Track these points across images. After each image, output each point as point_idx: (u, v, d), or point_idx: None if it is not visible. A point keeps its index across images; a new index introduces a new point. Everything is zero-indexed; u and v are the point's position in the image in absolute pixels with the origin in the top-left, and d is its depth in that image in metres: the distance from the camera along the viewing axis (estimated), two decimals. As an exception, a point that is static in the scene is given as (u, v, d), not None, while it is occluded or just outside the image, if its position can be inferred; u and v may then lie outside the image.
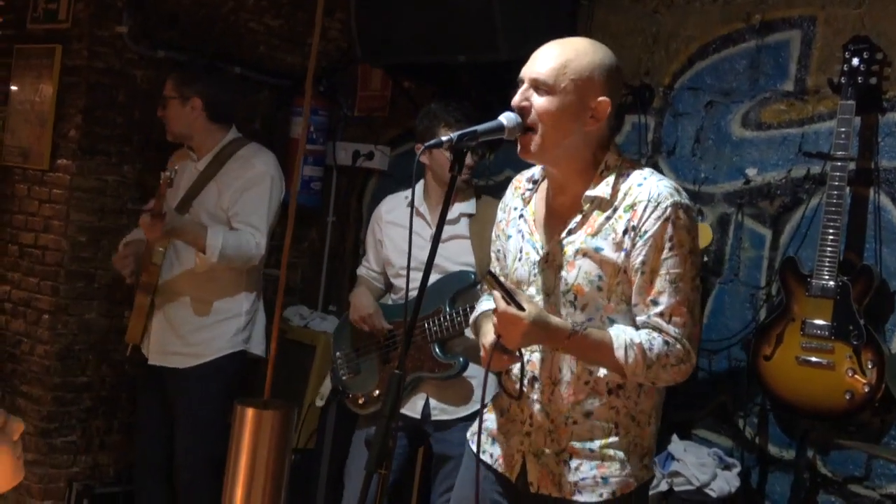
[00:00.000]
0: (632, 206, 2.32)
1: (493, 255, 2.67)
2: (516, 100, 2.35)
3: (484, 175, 4.38)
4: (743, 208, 3.67)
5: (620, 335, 2.30)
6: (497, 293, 2.26)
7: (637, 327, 2.34)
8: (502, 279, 2.31)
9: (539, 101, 2.32)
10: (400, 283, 3.68)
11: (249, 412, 3.63)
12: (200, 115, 3.89)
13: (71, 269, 4.39)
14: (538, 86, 2.33)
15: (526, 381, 2.47)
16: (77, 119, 4.38)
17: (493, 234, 2.66)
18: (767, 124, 3.64)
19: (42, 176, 4.50)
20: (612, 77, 2.37)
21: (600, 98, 2.33)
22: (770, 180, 3.61)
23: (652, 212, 2.29)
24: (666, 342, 2.29)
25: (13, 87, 4.67)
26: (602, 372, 2.37)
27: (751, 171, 3.66)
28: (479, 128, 2.29)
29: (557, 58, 2.33)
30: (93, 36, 4.35)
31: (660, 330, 2.30)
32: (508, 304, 2.24)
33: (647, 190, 2.32)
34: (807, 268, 3.28)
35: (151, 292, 3.88)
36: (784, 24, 3.62)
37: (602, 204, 2.36)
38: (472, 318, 2.69)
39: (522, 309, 2.23)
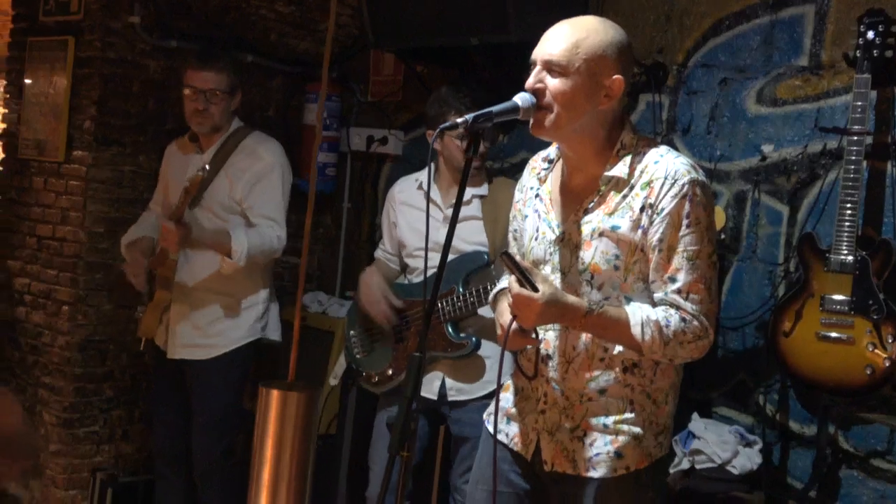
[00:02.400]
0: (648, 184, 2.32)
1: (510, 235, 2.68)
2: (530, 82, 2.35)
3: (499, 157, 4.37)
4: (759, 185, 3.65)
5: (637, 312, 2.30)
6: (512, 275, 2.26)
7: (654, 305, 2.34)
8: (518, 259, 2.30)
9: (553, 83, 2.32)
10: (414, 263, 3.69)
11: (274, 394, 3.64)
12: (236, 108, 3.90)
13: (89, 260, 4.42)
14: (551, 67, 2.33)
15: (540, 359, 2.48)
16: (91, 110, 4.40)
17: (511, 215, 2.67)
18: (783, 100, 3.61)
19: (58, 168, 4.52)
20: (624, 54, 2.37)
21: (614, 76, 2.33)
22: (786, 156, 3.59)
23: (669, 189, 2.29)
24: (683, 319, 2.29)
25: (27, 81, 4.69)
26: (617, 349, 2.38)
27: (767, 148, 3.64)
28: (494, 109, 2.30)
29: (569, 38, 2.33)
30: (105, 27, 4.36)
31: (677, 307, 2.30)
32: (523, 285, 2.24)
33: (664, 167, 2.32)
34: (825, 243, 3.26)
35: (170, 287, 3.89)
36: (798, -1, 3.60)
37: (619, 183, 2.36)
38: (490, 294, 2.69)
39: (537, 289, 2.23)
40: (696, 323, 2.31)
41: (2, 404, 1.98)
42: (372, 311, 3.66)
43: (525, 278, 2.25)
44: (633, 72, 2.42)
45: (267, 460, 3.63)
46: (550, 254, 2.45)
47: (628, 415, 2.41)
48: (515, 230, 2.64)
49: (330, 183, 5.08)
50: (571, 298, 2.30)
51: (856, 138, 3.16)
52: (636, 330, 2.29)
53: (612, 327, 2.32)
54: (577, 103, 2.32)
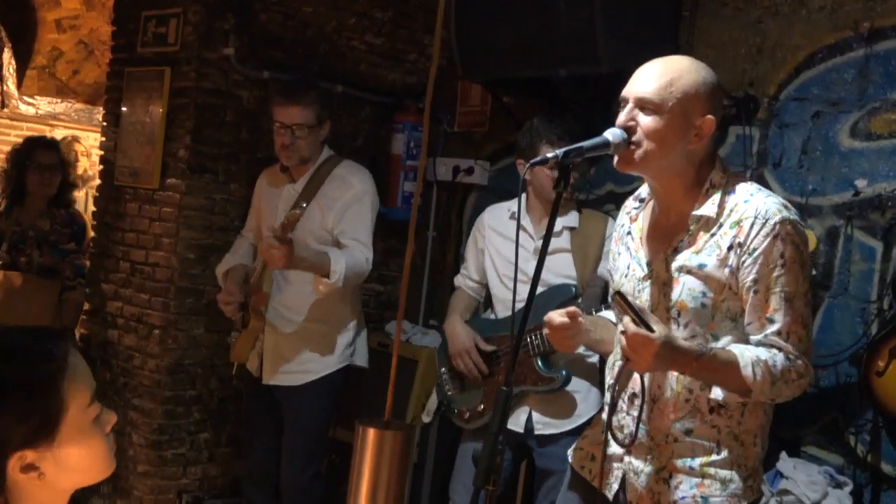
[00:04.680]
0: (738, 223, 2.30)
1: (608, 272, 2.69)
2: (621, 119, 2.35)
3: (585, 189, 4.36)
4: (853, 220, 3.58)
5: (745, 353, 2.27)
6: (626, 315, 2.21)
7: (747, 343, 2.31)
8: (631, 299, 2.27)
9: (645, 121, 2.32)
10: (501, 291, 3.68)
11: (371, 433, 3.67)
12: (325, 137, 3.94)
13: (180, 285, 4.51)
14: (644, 105, 2.32)
15: (626, 398, 2.47)
16: (186, 139, 4.49)
17: (607, 253, 2.69)
18: (877, 134, 3.55)
19: (152, 195, 4.62)
20: (716, 94, 2.37)
21: (706, 116, 2.32)
22: (881, 191, 3.52)
23: (760, 229, 2.27)
24: (788, 358, 2.27)
25: (124, 109, 4.81)
26: (704, 389, 2.35)
27: (860, 183, 3.57)
28: (585, 144, 2.30)
29: (662, 76, 2.33)
30: (200, 58, 4.46)
31: (779, 347, 2.27)
32: (638, 325, 2.19)
33: (755, 206, 2.30)
34: (920, 281, 3.19)
35: (263, 316, 3.94)
36: (894, 32, 3.53)
37: (708, 223, 2.35)
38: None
39: (652, 330, 2.18)
40: (799, 362, 2.29)
41: None
42: (462, 363, 3.67)
43: (640, 319, 2.19)
44: (723, 111, 2.39)
45: (363, 499, 3.64)
46: (639, 291, 2.44)
47: (715, 457, 2.38)
48: (611, 268, 2.65)
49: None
50: (683, 342, 2.26)
51: (954, 175, 3.10)
52: (747, 371, 2.25)
53: (721, 370, 2.27)
54: (667, 141, 2.32)
